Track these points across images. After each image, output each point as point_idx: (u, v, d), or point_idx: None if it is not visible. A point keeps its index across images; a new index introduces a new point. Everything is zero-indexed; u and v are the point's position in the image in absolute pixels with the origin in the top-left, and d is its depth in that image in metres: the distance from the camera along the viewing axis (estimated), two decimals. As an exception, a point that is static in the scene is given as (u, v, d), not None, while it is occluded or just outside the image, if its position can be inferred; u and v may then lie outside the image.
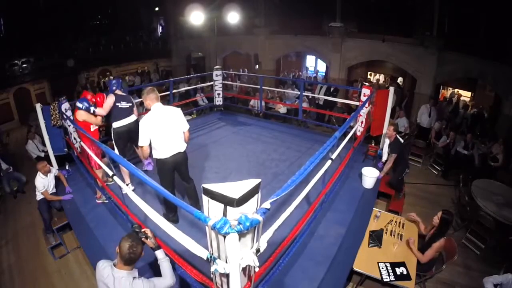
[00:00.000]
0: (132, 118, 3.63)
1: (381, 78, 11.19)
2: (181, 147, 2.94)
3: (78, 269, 3.66)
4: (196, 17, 8.32)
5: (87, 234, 3.15)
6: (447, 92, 9.37)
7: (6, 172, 5.49)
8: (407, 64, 8.52)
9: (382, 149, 4.63)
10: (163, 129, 2.78)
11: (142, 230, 1.90)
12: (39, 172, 3.78)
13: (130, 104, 3.65)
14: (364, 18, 9.48)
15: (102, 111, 3.52)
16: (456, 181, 5.30)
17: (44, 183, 3.78)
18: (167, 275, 1.90)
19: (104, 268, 1.79)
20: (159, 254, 1.94)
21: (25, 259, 3.94)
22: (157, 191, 1.92)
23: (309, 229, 3.01)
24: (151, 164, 3.76)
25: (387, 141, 4.18)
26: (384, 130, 4.71)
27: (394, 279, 2.63)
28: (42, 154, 6.15)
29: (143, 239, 1.86)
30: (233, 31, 11.22)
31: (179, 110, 2.92)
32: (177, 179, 3.16)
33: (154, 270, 2.35)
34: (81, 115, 3.44)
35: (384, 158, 4.27)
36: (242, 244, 1.51)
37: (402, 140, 4.09)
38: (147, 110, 2.95)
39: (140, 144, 2.82)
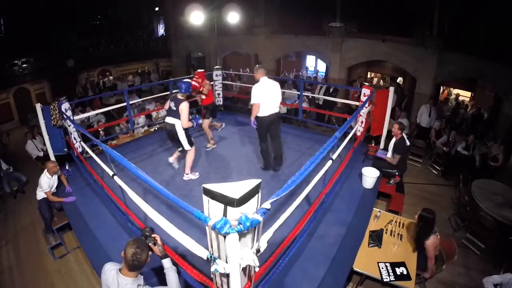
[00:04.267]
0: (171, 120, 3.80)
1: (376, 78, 11.23)
2: (276, 109, 3.91)
3: (78, 269, 3.66)
4: (196, 17, 8.31)
5: (87, 234, 3.15)
6: (448, 92, 9.39)
7: (6, 172, 5.49)
8: (407, 64, 8.52)
9: (382, 149, 4.63)
10: (267, 95, 3.78)
11: (153, 235, 1.83)
12: (46, 171, 3.75)
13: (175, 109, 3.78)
14: (364, 18, 9.49)
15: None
16: (456, 181, 5.29)
17: (49, 183, 3.76)
18: (173, 286, 1.82)
19: (110, 271, 1.75)
20: (166, 263, 1.86)
21: (25, 259, 3.94)
22: (157, 191, 1.92)
23: (309, 229, 3.01)
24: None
25: (393, 139, 4.17)
26: (384, 131, 4.71)
27: (394, 279, 2.63)
28: (41, 153, 6.16)
29: (150, 244, 1.79)
30: (233, 31, 11.22)
31: (278, 83, 3.88)
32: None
33: (160, 277, 2.28)
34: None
35: (389, 154, 4.25)
36: (242, 244, 1.52)
37: (408, 143, 4.05)
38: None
39: (252, 102, 3.81)
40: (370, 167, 3.96)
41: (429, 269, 2.88)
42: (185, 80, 3.92)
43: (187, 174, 4.10)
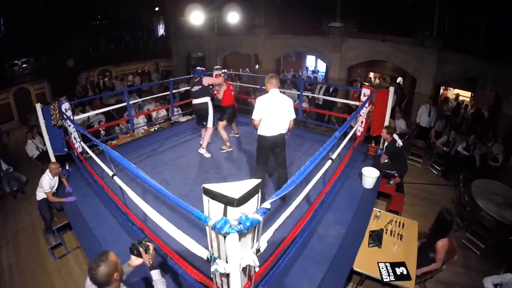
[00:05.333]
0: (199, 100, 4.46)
1: (376, 79, 11.22)
2: (282, 130, 3.29)
3: (78, 269, 3.66)
4: (196, 17, 8.32)
5: (87, 234, 3.14)
6: (448, 92, 9.39)
7: (6, 172, 5.49)
8: (407, 64, 8.52)
9: (382, 149, 4.64)
10: (272, 111, 3.16)
11: (147, 243, 1.77)
12: (48, 172, 3.75)
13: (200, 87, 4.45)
14: (364, 18, 9.50)
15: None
16: (456, 181, 5.30)
17: (51, 184, 3.77)
18: None
19: (90, 286, 1.61)
20: (155, 275, 1.77)
21: (25, 259, 3.94)
22: (157, 191, 1.92)
23: (309, 229, 3.00)
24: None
25: (386, 143, 4.19)
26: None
27: (394, 279, 2.63)
28: (38, 152, 6.16)
29: (142, 250, 1.73)
30: (233, 31, 11.24)
31: (290, 100, 3.30)
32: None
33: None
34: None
35: None
36: (242, 244, 1.52)
37: (399, 144, 4.03)
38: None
39: (252, 117, 3.25)
40: (370, 167, 3.96)
41: (430, 268, 2.87)
42: (198, 68, 4.67)
43: (202, 148, 4.74)
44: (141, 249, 1.73)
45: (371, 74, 11.52)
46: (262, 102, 3.17)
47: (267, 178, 3.92)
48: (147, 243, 1.77)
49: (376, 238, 3.05)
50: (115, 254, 1.60)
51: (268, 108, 3.17)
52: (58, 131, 4.35)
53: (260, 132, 3.28)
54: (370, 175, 3.81)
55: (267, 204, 1.57)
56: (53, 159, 4.35)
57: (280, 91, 3.31)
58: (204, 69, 4.63)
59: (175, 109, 6.59)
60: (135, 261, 1.77)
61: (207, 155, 4.74)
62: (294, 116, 3.34)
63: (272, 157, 3.47)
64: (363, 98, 4.78)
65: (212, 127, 4.59)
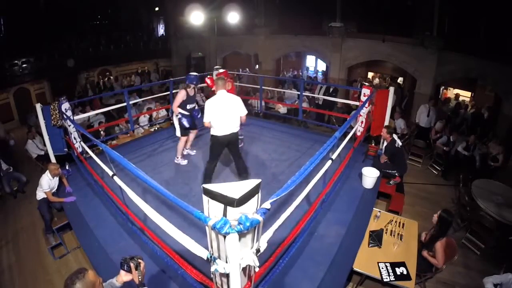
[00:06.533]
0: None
1: (376, 79, 11.21)
2: (235, 128, 3.45)
3: (78, 269, 3.65)
4: (196, 17, 8.32)
5: (87, 234, 3.15)
6: (448, 92, 9.39)
7: (6, 172, 5.49)
8: (407, 64, 8.52)
9: (382, 149, 4.64)
10: (222, 111, 3.30)
11: (138, 260, 1.71)
12: (47, 172, 3.76)
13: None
14: (364, 18, 9.50)
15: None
16: (456, 181, 5.29)
17: (50, 184, 3.77)
18: None
19: None
20: None
21: (25, 259, 3.94)
22: (157, 191, 1.92)
23: (309, 229, 3.01)
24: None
25: (385, 143, 4.20)
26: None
27: (394, 279, 2.63)
28: (42, 153, 6.16)
29: (132, 266, 1.66)
30: (233, 31, 11.22)
31: (239, 98, 3.45)
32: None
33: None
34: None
35: None
36: (242, 244, 1.52)
37: (399, 144, 4.06)
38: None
39: (204, 120, 3.37)
40: (370, 167, 3.96)
41: (432, 260, 2.87)
42: (193, 73, 4.35)
43: (176, 158, 4.55)
44: (131, 265, 1.66)
45: (370, 74, 11.50)
46: (211, 104, 3.32)
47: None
48: (139, 260, 1.71)
49: (376, 238, 3.05)
50: (95, 274, 1.51)
51: (217, 110, 3.30)
52: (58, 131, 4.35)
53: (213, 132, 3.43)
54: (370, 175, 3.81)
55: (267, 204, 1.57)
56: (53, 159, 4.35)
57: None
58: (196, 74, 4.28)
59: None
60: (124, 276, 1.69)
61: (184, 162, 4.56)
62: (246, 112, 3.48)
63: (226, 151, 3.67)
64: (363, 98, 4.78)
65: (181, 136, 4.37)
